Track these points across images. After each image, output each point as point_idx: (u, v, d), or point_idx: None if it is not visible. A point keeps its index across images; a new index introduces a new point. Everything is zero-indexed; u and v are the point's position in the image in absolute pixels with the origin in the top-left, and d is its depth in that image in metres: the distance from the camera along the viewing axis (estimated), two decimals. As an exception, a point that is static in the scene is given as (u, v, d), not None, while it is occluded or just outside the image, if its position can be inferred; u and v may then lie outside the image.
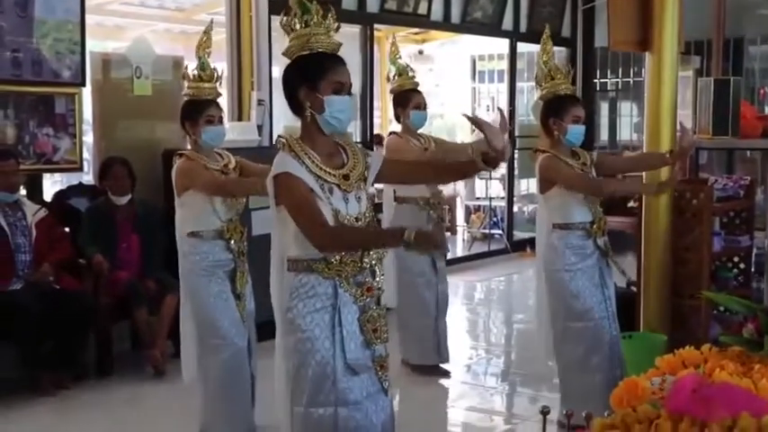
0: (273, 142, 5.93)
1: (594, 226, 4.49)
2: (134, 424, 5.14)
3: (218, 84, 4.68)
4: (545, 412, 2.20)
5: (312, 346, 2.93)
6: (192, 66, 4.70)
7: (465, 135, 6.18)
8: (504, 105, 11.19)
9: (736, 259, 5.87)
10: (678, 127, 4.72)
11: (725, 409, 1.73)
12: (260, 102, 7.42)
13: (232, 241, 4.56)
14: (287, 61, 3.08)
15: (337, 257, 2.95)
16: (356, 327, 2.97)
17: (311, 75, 2.98)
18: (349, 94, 3.04)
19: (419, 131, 5.88)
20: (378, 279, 3.03)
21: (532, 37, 9.11)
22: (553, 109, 4.50)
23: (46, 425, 5.10)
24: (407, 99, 5.82)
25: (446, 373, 5.99)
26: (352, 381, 2.94)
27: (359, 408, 2.95)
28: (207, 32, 4.69)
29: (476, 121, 3.12)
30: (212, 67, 4.64)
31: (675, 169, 4.80)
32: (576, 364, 4.51)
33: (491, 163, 3.06)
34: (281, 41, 3.09)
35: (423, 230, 2.88)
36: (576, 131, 4.47)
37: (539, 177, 4.54)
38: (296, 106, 3.04)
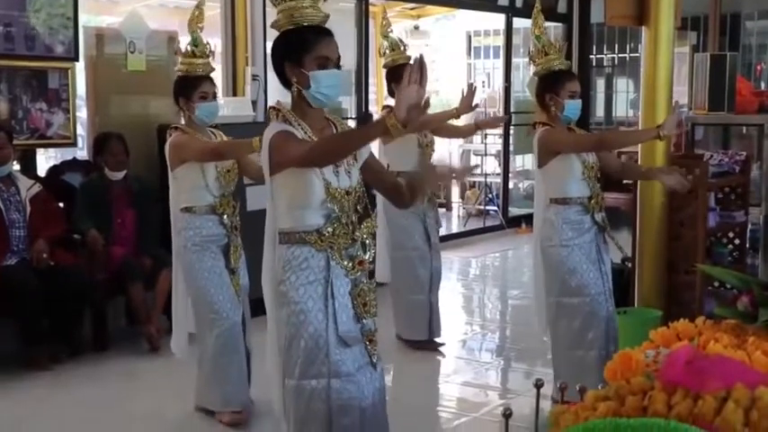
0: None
1: (592, 201, 4.48)
2: (129, 399, 5.14)
3: (210, 59, 4.66)
4: (539, 385, 2.20)
5: (305, 318, 2.93)
6: (184, 41, 4.67)
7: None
8: (500, 81, 11.17)
9: (731, 235, 5.88)
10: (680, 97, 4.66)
11: (719, 380, 1.74)
12: (254, 77, 7.39)
13: (225, 216, 4.57)
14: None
15: (330, 230, 2.95)
16: (348, 300, 2.98)
17: (295, 50, 2.97)
18: (338, 67, 3.02)
19: None
20: (369, 253, 3.03)
21: (528, 12, 9.09)
22: (548, 85, 4.48)
23: (41, 400, 5.10)
24: (401, 74, 5.77)
25: (437, 347, 6.01)
26: (344, 353, 2.95)
27: (351, 379, 2.96)
28: (199, 7, 4.66)
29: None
30: (205, 42, 4.61)
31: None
32: (571, 340, 4.51)
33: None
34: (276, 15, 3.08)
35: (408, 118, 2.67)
36: (572, 106, 4.45)
37: (537, 150, 4.52)
38: (284, 81, 3.03)
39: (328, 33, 3.01)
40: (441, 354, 5.98)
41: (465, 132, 6.30)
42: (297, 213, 2.96)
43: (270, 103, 7.23)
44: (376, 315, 3.06)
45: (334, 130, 3.09)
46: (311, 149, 2.88)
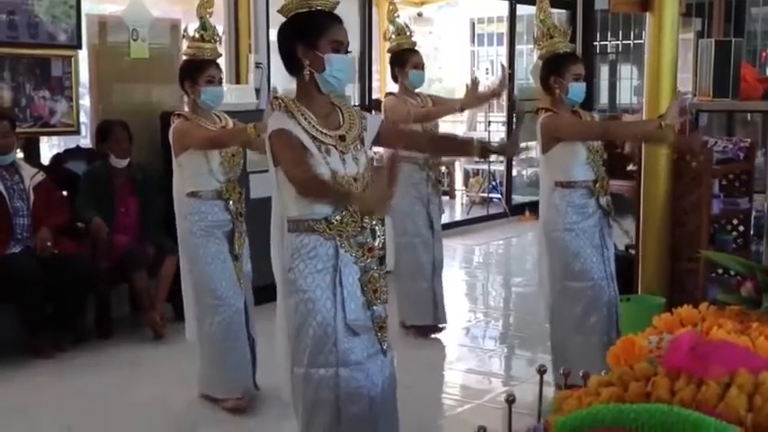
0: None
1: (597, 185, 4.47)
2: (133, 387, 5.15)
3: (218, 44, 4.67)
4: (542, 371, 2.20)
5: (313, 306, 2.93)
6: (190, 27, 4.68)
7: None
8: (506, 72, 11.15)
9: (735, 222, 5.86)
10: (684, 83, 4.66)
11: (722, 366, 1.73)
12: (258, 65, 7.38)
13: (230, 202, 4.58)
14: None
15: (338, 218, 2.95)
16: (357, 287, 2.97)
17: (310, 32, 2.95)
18: (347, 53, 3.02)
19: (416, 91, 5.86)
20: (378, 240, 3.03)
21: (532, -1, 9.09)
22: (553, 68, 4.47)
23: (44, 387, 5.12)
24: (406, 59, 5.79)
25: (440, 329, 6.03)
26: (352, 341, 2.95)
27: (360, 368, 2.96)
28: None
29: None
30: (213, 27, 4.62)
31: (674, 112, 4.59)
32: (573, 324, 4.51)
33: (486, 154, 3.08)
34: (279, 3, 3.06)
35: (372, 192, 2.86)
36: (577, 89, 4.44)
37: (541, 136, 4.51)
38: (293, 65, 3.01)
39: (340, 19, 3.01)
40: (442, 334, 5.99)
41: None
42: (304, 201, 2.95)
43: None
44: (386, 302, 3.07)
45: (340, 116, 3.07)
46: (299, 181, 2.91)
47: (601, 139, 4.49)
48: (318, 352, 2.95)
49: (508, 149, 3.02)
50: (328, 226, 2.95)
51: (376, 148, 7.41)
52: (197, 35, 4.58)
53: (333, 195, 2.96)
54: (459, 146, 3.20)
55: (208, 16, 4.61)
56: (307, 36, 2.95)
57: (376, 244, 3.03)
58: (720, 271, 5.65)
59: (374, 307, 3.02)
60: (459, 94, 11.68)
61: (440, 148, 3.39)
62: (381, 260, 3.07)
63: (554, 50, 4.49)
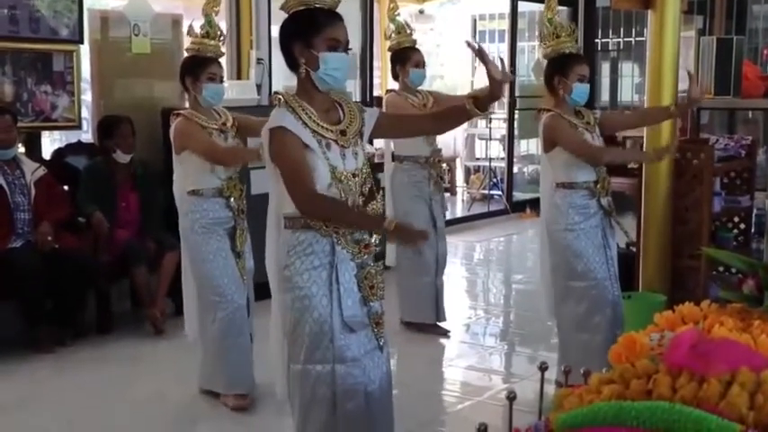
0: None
1: (598, 185, 4.47)
2: (133, 382, 5.15)
3: (221, 43, 4.67)
4: (543, 368, 2.20)
5: (309, 303, 2.93)
6: (195, 23, 4.68)
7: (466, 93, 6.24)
8: (505, 66, 11.13)
9: (736, 219, 5.87)
10: (687, 77, 4.68)
11: (724, 363, 1.73)
12: (259, 60, 7.37)
13: (232, 199, 4.58)
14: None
15: None
16: (353, 284, 2.97)
17: (306, 31, 2.94)
18: (346, 51, 3.01)
19: (417, 88, 5.86)
20: (375, 236, 3.03)
21: (534, -4, 9.07)
22: (558, 67, 4.46)
23: (44, 382, 5.12)
24: (407, 57, 5.79)
25: (445, 332, 6.01)
26: (349, 338, 2.95)
27: (356, 365, 2.96)
28: None
29: (477, 51, 3.10)
30: (218, 26, 4.63)
31: (676, 134, 4.76)
32: (577, 324, 4.51)
33: (481, 106, 3.04)
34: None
35: (405, 224, 3.04)
36: (580, 90, 4.43)
37: (542, 136, 4.51)
38: (292, 62, 3.01)
39: (339, 17, 2.99)
40: (446, 335, 5.99)
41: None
42: None
43: (275, 87, 7.27)
44: (383, 298, 3.06)
45: (341, 111, 3.07)
46: (308, 194, 2.90)
47: (591, 161, 4.47)
48: (315, 348, 2.95)
49: (497, 90, 3.00)
50: (325, 223, 2.94)
51: (377, 145, 7.44)
52: (203, 32, 4.58)
53: (355, 219, 2.99)
54: (459, 115, 3.16)
55: (214, 14, 4.62)
56: (303, 34, 2.95)
57: (373, 240, 3.03)
58: (722, 269, 5.65)
59: (371, 303, 3.01)
60: (462, 90, 11.69)
61: (444, 125, 3.38)
62: (378, 256, 3.06)
63: (559, 50, 4.48)
